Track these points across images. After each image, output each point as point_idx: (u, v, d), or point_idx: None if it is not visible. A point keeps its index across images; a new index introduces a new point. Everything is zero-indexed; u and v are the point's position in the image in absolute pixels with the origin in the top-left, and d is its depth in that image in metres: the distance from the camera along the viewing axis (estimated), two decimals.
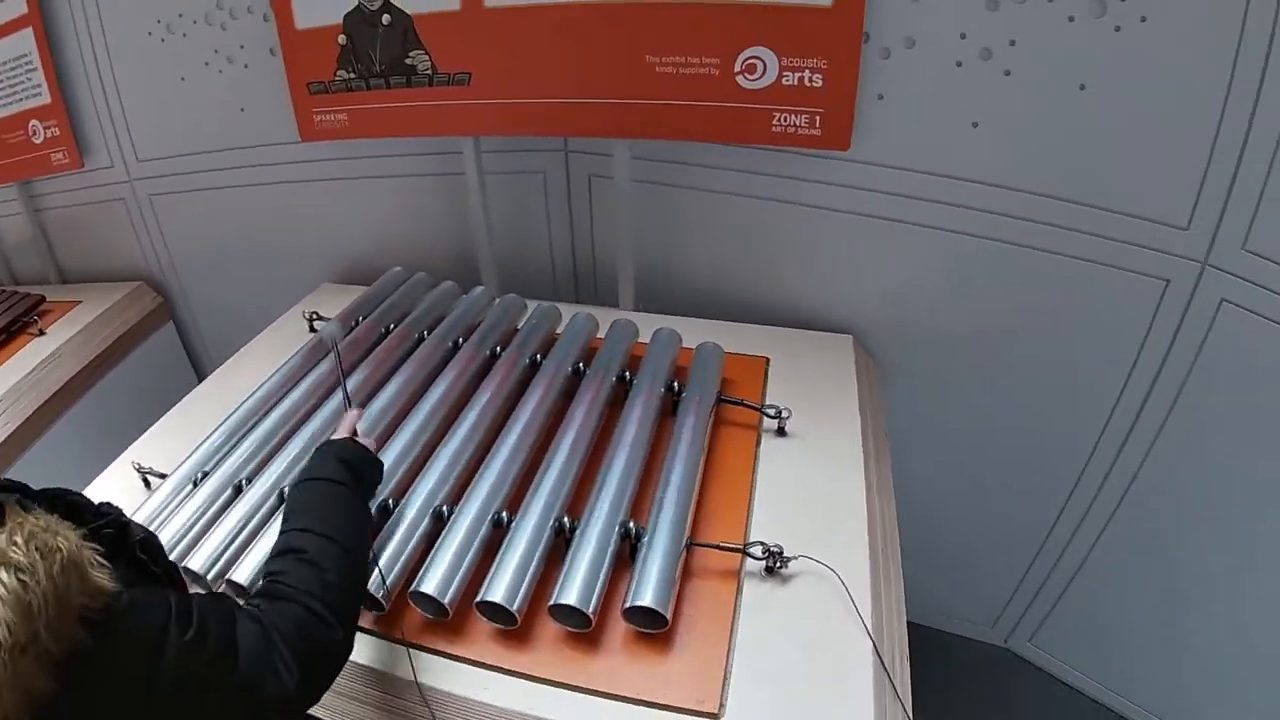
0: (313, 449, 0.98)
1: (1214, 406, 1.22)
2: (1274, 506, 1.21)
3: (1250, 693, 1.33)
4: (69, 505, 0.70)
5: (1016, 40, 1.12)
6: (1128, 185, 1.16)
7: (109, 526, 0.71)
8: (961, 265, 1.34)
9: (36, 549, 0.61)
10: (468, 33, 1.33)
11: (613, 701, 0.84)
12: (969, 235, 1.30)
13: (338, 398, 1.24)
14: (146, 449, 1.29)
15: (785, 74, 1.22)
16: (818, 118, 1.25)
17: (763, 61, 1.22)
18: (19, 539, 0.61)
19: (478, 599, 0.89)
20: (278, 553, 0.84)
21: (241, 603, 0.77)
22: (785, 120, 1.26)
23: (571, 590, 0.88)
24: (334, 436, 0.99)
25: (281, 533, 0.86)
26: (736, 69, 1.24)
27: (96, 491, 1.22)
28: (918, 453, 1.50)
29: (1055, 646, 1.62)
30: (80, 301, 1.80)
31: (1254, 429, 1.19)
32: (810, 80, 1.22)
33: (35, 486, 0.73)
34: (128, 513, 0.79)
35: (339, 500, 0.89)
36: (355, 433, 1.00)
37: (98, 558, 0.64)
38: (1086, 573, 1.49)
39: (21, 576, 0.60)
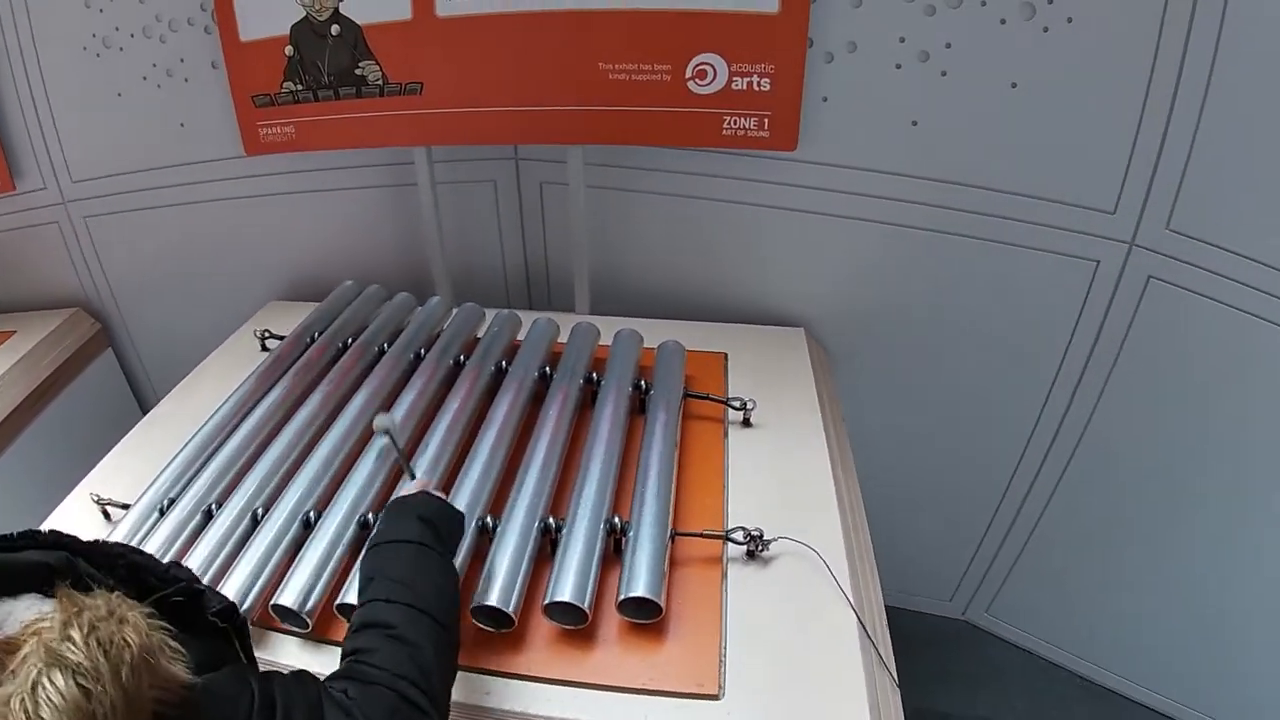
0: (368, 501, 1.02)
1: (1147, 375, 1.32)
2: (1210, 463, 1.31)
3: (1202, 645, 1.43)
4: (130, 568, 0.59)
5: (952, 43, 1.20)
6: (1058, 175, 1.24)
7: (180, 594, 0.60)
8: (905, 257, 1.41)
9: (100, 645, 0.48)
10: (419, 42, 1.34)
11: (615, 693, 0.86)
12: (912, 228, 1.38)
13: (304, 412, 1.23)
14: (103, 479, 1.26)
15: (735, 79, 1.27)
16: (766, 120, 1.30)
17: (713, 67, 1.27)
18: (75, 634, 0.48)
19: (472, 605, 0.91)
20: (360, 627, 0.75)
21: (327, 685, 0.68)
22: (735, 124, 1.31)
23: (565, 587, 0.90)
24: (405, 492, 0.92)
25: (361, 603, 0.78)
26: (687, 75, 1.28)
27: (56, 525, 1.18)
28: (872, 436, 1.56)
29: (1011, 614, 1.71)
30: (14, 331, 1.73)
31: (1185, 394, 1.30)
32: (759, 85, 1.27)
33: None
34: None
35: (423, 564, 0.81)
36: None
37: (171, 642, 0.52)
38: (1037, 541, 1.59)
39: (82, 682, 0.47)
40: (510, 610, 0.89)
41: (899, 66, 1.24)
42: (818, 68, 1.27)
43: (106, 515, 1.19)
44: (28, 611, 0.51)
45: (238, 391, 1.34)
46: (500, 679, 0.89)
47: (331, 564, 0.99)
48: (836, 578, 0.95)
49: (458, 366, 1.35)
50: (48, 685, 0.46)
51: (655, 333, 1.37)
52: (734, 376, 1.35)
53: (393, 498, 0.92)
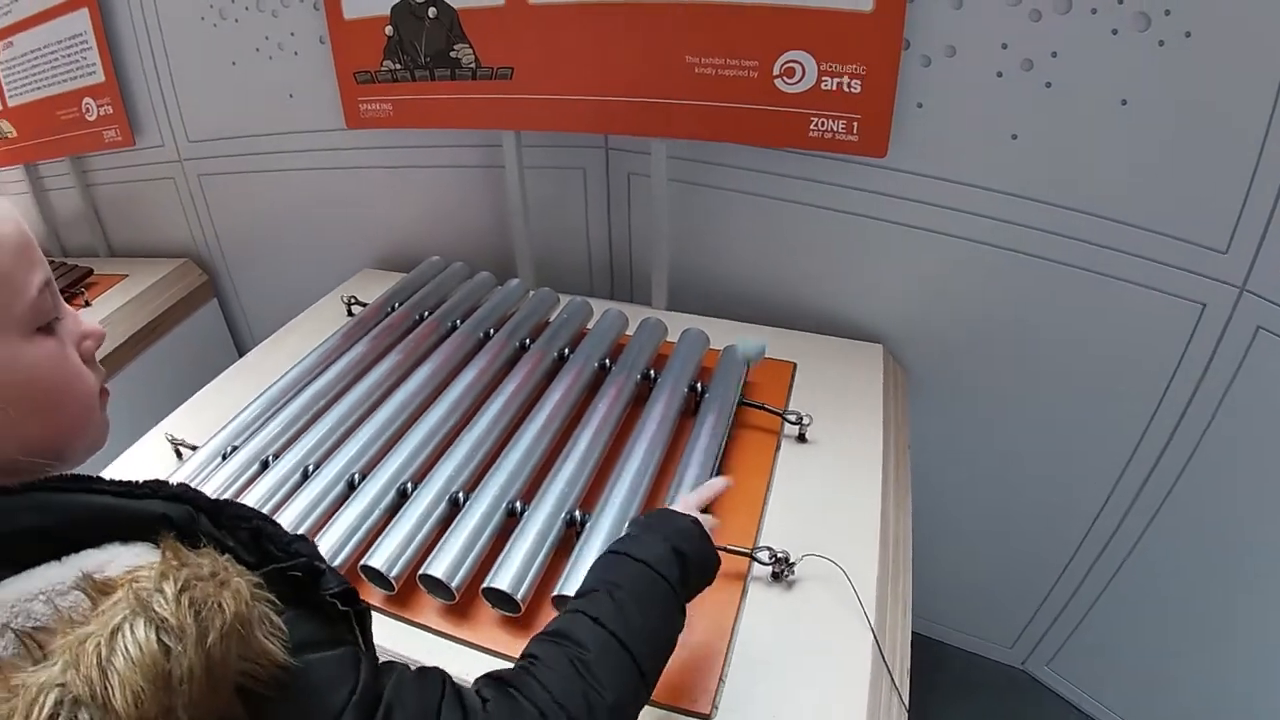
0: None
1: (1246, 437, 1.20)
2: None
3: None
4: (254, 533, 0.55)
5: (1059, 52, 1.12)
6: (1166, 205, 1.14)
7: (299, 569, 0.55)
8: (995, 279, 1.33)
9: (192, 604, 0.45)
10: (511, 28, 1.36)
11: None
12: (1004, 249, 1.30)
13: (371, 378, 1.29)
14: (181, 421, 1.35)
15: (824, 79, 1.23)
16: (855, 124, 1.26)
17: (801, 65, 1.23)
18: (169, 588, 0.45)
19: (483, 585, 0.92)
20: (553, 634, 0.68)
21: (472, 686, 0.62)
22: (822, 125, 1.27)
23: (575, 582, 0.90)
24: (677, 506, 0.83)
25: (569, 610, 0.70)
26: (775, 72, 1.25)
27: (130, 461, 1.28)
28: (942, 467, 1.50)
29: (1074, 672, 1.60)
30: (127, 275, 1.88)
31: None
32: (849, 86, 1.22)
33: None
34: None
35: (654, 598, 0.72)
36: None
37: (273, 616, 0.48)
38: (1110, 599, 1.47)
39: (164, 639, 0.44)
40: (519, 597, 0.90)
41: (1000, 75, 1.17)
42: (913, 71, 1.22)
43: (178, 454, 1.27)
44: (135, 559, 0.48)
45: (315, 351, 1.41)
46: (498, 659, 0.90)
47: (422, 533, 1.01)
48: (859, 594, 0.91)
49: (522, 349, 1.38)
50: (128, 634, 0.43)
51: (726, 334, 1.35)
52: (800, 388, 1.31)
53: (662, 506, 0.85)
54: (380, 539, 0.99)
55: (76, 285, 1.83)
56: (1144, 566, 1.40)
